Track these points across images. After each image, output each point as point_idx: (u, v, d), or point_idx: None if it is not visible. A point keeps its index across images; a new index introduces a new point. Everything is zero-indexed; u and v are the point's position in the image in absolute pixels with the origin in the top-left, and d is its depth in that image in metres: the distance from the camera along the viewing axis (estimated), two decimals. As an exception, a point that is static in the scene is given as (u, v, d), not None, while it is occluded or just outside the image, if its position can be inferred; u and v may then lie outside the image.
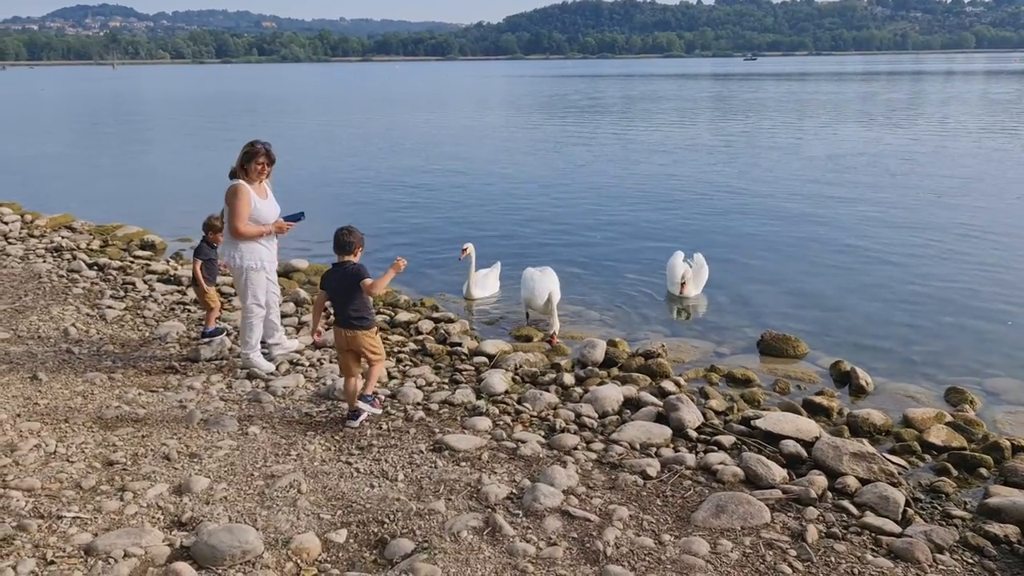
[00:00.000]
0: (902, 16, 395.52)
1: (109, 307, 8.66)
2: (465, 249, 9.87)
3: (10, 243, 11.96)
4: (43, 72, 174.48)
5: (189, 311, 8.72)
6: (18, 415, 5.87)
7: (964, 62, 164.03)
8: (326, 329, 6.21)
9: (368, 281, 5.68)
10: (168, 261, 11.24)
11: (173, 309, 8.81)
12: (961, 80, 78.04)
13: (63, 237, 12.37)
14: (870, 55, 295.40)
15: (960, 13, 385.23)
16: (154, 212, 15.55)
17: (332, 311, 5.88)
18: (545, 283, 8.79)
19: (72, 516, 4.49)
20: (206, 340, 7.61)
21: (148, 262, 10.98)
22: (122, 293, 9.36)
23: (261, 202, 6.61)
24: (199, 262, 7.74)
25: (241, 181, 6.56)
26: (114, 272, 10.30)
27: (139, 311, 8.66)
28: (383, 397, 6.25)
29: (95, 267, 10.52)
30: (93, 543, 4.18)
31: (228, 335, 7.76)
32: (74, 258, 10.94)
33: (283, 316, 8.61)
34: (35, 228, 13.17)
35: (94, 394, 6.32)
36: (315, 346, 7.36)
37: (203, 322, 8.12)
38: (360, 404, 5.79)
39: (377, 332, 5.96)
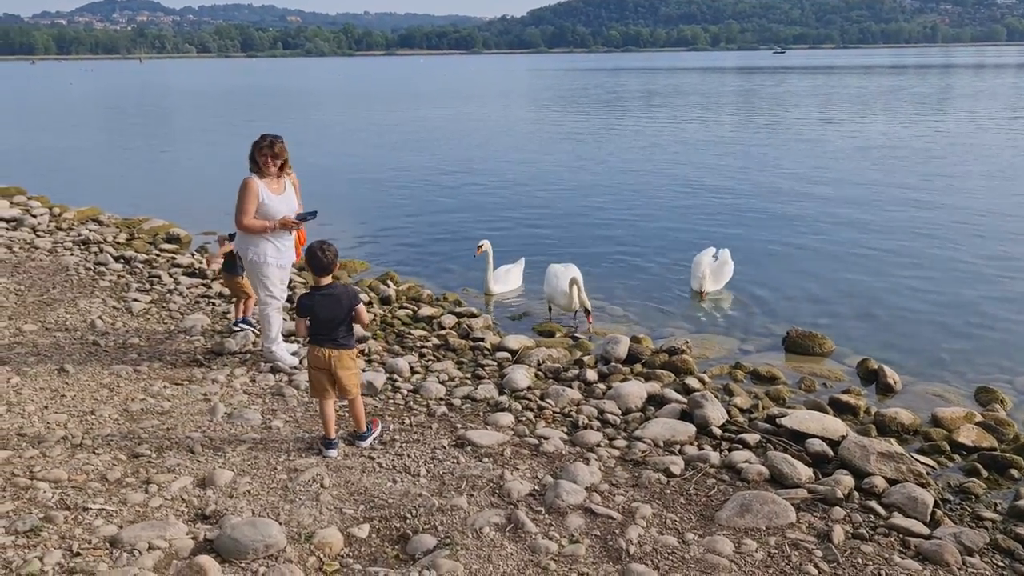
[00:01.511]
0: (931, 8, 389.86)
1: (135, 300, 8.73)
2: (481, 246, 9.84)
3: (39, 236, 12.10)
4: (71, 66, 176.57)
5: (214, 304, 8.77)
6: (45, 407, 5.94)
7: (995, 55, 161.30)
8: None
9: (363, 307, 5.31)
10: (193, 254, 11.31)
11: (198, 302, 8.86)
12: (992, 73, 76.77)
13: (90, 230, 12.48)
14: (899, 48, 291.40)
15: (991, 5, 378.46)
16: (180, 205, 15.65)
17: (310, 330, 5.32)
18: (566, 278, 8.75)
19: (98, 508, 4.53)
20: (237, 329, 7.65)
21: (173, 255, 11.06)
22: (148, 286, 9.43)
23: (273, 197, 6.58)
24: (233, 245, 7.60)
25: (252, 175, 6.58)
26: (140, 265, 10.38)
27: (164, 304, 8.72)
28: (376, 420, 5.73)
29: (121, 260, 10.61)
30: (118, 535, 4.22)
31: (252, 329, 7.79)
32: (101, 251, 11.04)
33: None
34: (63, 221, 13.31)
35: (120, 387, 6.38)
36: None
37: (228, 315, 8.16)
38: (362, 444, 5.40)
39: (358, 355, 5.57)
